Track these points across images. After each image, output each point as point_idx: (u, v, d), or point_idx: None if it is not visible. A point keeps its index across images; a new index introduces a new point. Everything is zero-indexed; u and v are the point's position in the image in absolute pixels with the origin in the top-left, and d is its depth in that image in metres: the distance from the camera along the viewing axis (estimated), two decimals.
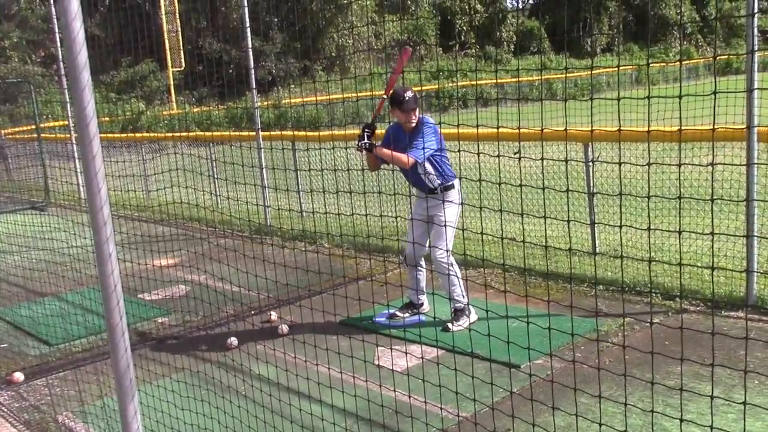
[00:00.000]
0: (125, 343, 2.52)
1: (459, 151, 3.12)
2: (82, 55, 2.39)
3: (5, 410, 4.85)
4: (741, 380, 4.26)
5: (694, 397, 4.09)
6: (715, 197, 2.36)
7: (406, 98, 5.39)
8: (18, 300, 7.48)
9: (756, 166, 5.29)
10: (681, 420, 2.63)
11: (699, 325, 5.16)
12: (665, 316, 5.48)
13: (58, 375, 5.40)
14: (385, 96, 5.46)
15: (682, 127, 2.55)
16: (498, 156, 2.85)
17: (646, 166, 2.68)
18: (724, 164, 2.91)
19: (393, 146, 5.41)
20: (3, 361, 5.72)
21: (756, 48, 5.22)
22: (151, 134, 16.82)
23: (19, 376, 5.32)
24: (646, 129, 2.41)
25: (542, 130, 2.61)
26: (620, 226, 2.41)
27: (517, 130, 2.66)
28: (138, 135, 16.04)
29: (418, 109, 5.49)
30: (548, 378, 4.49)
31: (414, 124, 5.49)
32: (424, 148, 5.39)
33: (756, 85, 5.14)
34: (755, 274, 5.49)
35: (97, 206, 2.49)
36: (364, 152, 5.44)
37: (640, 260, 5.11)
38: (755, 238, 5.38)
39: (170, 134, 15.61)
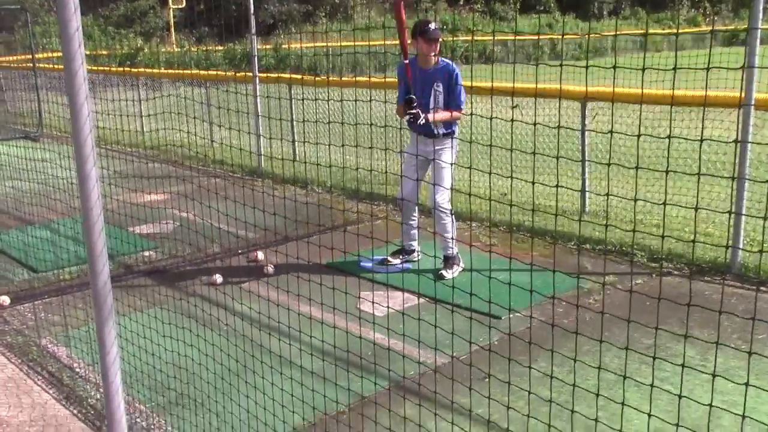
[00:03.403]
0: (105, 271, 2.52)
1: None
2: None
3: None
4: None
5: (671, 357, 4.15)
6: (707, 163, 2.36)
7: (430, 27, 5.37)
8: (7, 226, 7.48)
9: (750, 134, 5.27)
10: (683, 378, 2.66)
11: (681, 288, 5.21)
12: (649, 277, 5.52)
13: (44, 301, 5.43)
14: (406, 61, 5.31)
15: (678, 92, 2.53)
16: (491, 117, 2.83)
17: (640, 132, 2.66)
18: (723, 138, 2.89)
19: (416, 85, 5.37)
20: None
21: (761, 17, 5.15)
22: (149, 70, 16.63)
23: (4, 299, 5.35)
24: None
25: (536, 87, 2.58)
26: (607, 189, 2.41)
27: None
28: (135, 70, 15.85)
29: (440, 44, 5.47)
30: (528, 330, 4.54)
31: (435, 61, 5.44)
32: (461, 97, 5.49)
33: (757, 56, 5.10)
34: (741, 240, 5.52)
35: (82, 139, 2.46)
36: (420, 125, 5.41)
37: (630, 224, 5.13)
38: (743, 206, 5.39)
39: (169, 71, 15.45)
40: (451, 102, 5.47)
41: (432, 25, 5.41)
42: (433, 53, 5.42)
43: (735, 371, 3.93)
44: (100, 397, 3.94)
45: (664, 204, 2.11)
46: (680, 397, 2.31)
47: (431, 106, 5.48)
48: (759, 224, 6.02)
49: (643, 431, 3.27)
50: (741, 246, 5.54)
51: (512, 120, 2.54)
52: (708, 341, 4.36)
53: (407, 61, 5.29)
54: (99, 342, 2.58)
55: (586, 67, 2.24)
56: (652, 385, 2.31)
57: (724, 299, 5.01)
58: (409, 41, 5.39)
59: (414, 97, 5.33)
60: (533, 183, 2.53)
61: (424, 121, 5.31)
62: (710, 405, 2.22)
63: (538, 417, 3.30)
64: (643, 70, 2.01)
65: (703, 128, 2.30)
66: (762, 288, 5.25)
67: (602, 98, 6.73)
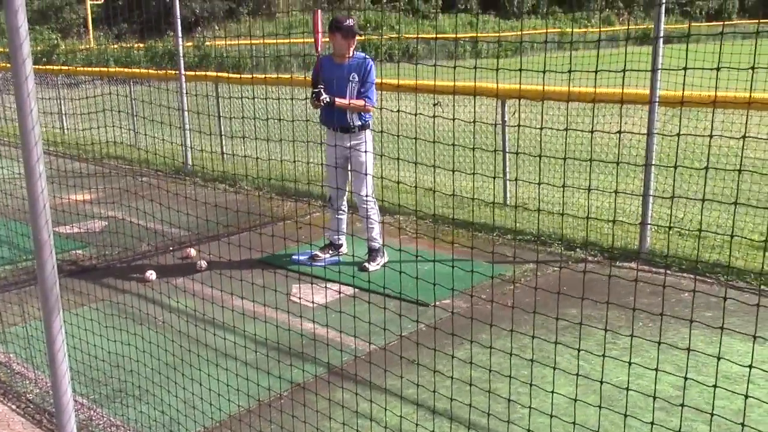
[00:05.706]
0: (52, 259, 2.63)
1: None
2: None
3: None
4: (627, 322, 4.67)
5: (584, 336, 4.46)
6: (621, 160, 2.62)
7: (347, 23, 5.56)
8: None
9: (656, 131, 5.67)
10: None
11: (595, 273, 5.56)
12: (566, 264, 5.86)
13: None
14: (317, 54, 5.63)
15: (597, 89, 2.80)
16: (416, 113, 3.04)
17: (564, 129, 2.91)
18: (631, 133, 3.19)
19: (324, 78, 5.61)
20: None
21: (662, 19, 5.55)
22: (69, 68, 16.27)
23: None
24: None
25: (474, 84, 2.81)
26: (539, 183, 2.65)
27: (450, 84, 2.84)
28: (54, 67, 15.48)
29: (356, 40, 5.66)
30: (453, 315, 4.79)
31: (350, 55, 5.66)
32: (373, 91, 5.68)
33: (661, 56, 5.52)
34: (649, 229, 5.93)
35: (27, 129, 2.56)
36: (324, 105, 5.61)
37: (551, 213, 5.44)
38: (651, 197, 5.79)
39: (91, 69, 15.17)
40: (362, 93, 5.68)
41: (349, 21, 5.60)
42: (350, 47, 5.64)
43: (642, 347, 4.26)
44: (38, 392, 3.98)
45: (588, 189, 2.35)
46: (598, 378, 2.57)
47: (347, 98, 5.66)
48: (665, 212, 6.46)
49: (560, 404, 3.55)
50: (648, 231, 5.95)
51: (434, 116, 2.76)
52: (618, 321, 4.70)
53: (318, 54, 5.58)
54: (46, 329, 2.68)
55: (520, 69, 2.47)
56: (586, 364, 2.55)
57: (633, 282, 5.37)
58: (326, 38, 5.66)
59: (318, 80, 5.60)
60: (453, 171, 2.75)
61: (327, 99, 5.54)
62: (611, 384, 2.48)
63: (460, 397, 3.54)
64: (570, 72, 2.25)
65: (621, 122, 2.56)
66: (666, 270, 5.65)
67: (525, 96, 7.03)
